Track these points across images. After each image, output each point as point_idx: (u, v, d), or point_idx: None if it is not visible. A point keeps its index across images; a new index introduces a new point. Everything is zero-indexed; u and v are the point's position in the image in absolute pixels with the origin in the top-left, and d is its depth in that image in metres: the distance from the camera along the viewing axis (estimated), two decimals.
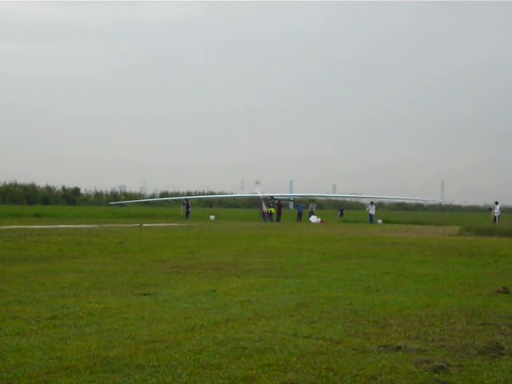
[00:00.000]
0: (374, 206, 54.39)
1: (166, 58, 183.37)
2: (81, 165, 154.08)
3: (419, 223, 51.73)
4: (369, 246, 24.20)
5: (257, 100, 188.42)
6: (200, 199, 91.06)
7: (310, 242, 25.93)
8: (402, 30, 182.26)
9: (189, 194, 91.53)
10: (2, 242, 21.75)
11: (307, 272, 14.94)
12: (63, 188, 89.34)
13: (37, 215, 49.08)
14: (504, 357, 7.25)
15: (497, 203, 48.10)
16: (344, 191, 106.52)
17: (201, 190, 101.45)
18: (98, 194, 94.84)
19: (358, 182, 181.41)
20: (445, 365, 6.79)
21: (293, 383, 6.20)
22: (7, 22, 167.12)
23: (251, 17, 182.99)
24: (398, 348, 7.49)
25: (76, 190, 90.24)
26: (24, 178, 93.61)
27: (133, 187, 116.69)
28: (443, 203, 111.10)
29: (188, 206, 56.17)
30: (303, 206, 59.35)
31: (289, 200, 66.23)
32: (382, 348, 7.50)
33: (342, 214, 65.38)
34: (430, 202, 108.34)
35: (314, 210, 57.75)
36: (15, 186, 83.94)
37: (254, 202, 70.64)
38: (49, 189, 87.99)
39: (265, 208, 53.45)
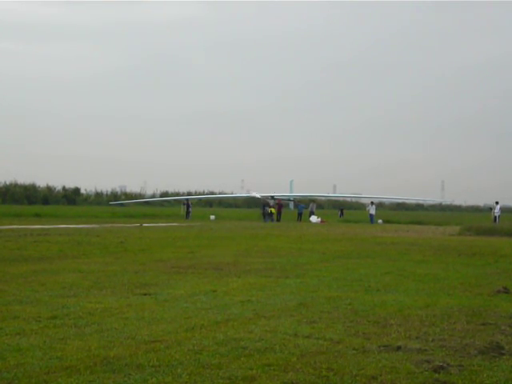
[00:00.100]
0: (374, 206, 54.39)
1: (166, 58, 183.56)
2: (81, 165, 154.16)
3: (419, 223, 51.74)
4: (369, 245, 24.20)
5: (257, 100, 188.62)
6: (200, 199, 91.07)
7: (310, 241, 25.93)
8: (401, 30, 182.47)
9: (189, 193, 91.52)
10: (3, 242, 21.75)
11: (307, 272, 14.94)
12: (63, 188, 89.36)
13: (37, 215, 49.08)
14: (504, 357, 7.25)
15: (497, 203, 48.10)
16: (344, 191, 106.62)
17: (201, 190, 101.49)
18: (99, 194, 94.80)
19: (358, 182, 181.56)
20: (445, 365, 6.79)
21: (293, 383, 6.20)
22: (7, 21, 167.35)
23: (251, 17, 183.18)
24: (399, 348, 7.49)
25: (76, 190, 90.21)
26: (24, 178, 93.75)
27: (133, 187, 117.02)
28: (443, 203, 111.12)
29: (188, 206, 56.16)
30: (303, 205, 59.35)
31: (289, 200, 66.22)
32: (382, 348, 7.50)
33: (342, 213, 65.38)
34: (431, 202, 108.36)
35: (314, 209, 57.74)
36: (15, 185, 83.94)
37: (254, 202, 70.66)
38: (49, 189, 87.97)
39: (255, 194, 53.62)
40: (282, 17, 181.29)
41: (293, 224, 48.12)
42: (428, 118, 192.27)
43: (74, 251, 19.20)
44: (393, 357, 7.13)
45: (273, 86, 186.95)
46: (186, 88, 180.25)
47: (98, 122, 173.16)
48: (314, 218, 53.20)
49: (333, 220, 56.17)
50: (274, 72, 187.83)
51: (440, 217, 71.62)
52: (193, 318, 9.01)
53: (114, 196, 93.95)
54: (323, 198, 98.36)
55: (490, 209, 50.49)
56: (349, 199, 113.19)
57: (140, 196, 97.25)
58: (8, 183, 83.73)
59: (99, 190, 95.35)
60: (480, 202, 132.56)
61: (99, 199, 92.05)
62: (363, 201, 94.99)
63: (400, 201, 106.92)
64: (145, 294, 11.11)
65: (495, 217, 47.12)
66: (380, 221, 53.52)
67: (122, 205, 79.03)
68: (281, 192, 63.91)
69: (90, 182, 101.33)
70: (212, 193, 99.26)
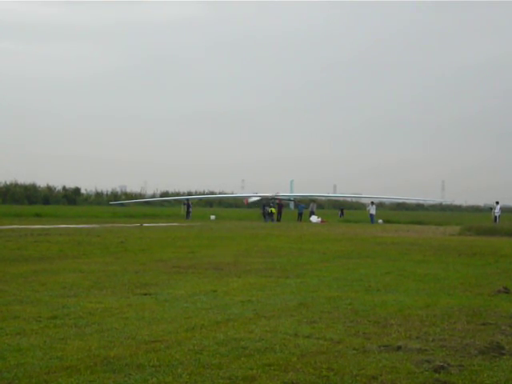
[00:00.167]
0: (374, 206, 54.39)
1: (166, 58, 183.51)
2: (81, 165, 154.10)
3: (420, 223, 51.73)
4: (369, 245, 24.20)
5: (257, 100, 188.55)
6: (200, 199, 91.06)
7: (310, 241, 25.93)
8: (401, 30, 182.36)
9: (189, 193, 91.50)
10: (3, 242, 21.76)
11: (308, 272, 14.94)
12: (64, 188, 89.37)
13: (37, 215, 49.09)
14: (504, 357, 7.25)
15: (497, 203, 48.10)
16: (344, 191, 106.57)
17: (201, 190, 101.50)
18: (99, 194, 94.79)
19: (358, 182, 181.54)
20: (445, 365, 6.79)
21: (293, 383, 6.20)
22: (7, 21, 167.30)
23: (251, 17, 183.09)
24: (399, 348, 7.49)
25: (76, 190, 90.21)
26: (24, 178, 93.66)
27: (133, 187, 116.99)
28: (444, 203, 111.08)
29: (188, 206, 56.16)
30: (304, 205, 59.36)
31: (289, 200, 66.22)
32: (382, 348, 7.50)
33: (342, 213, 65.36)
34: (431, 202, 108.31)
35: (314, 209, 57.76)
36: (16, 185, 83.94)
37: (254, 202, 70.72)
38: (49, 189, 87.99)
39: (252, 199, 53.54)
40: (282, 17, 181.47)
41: (293, 224, 48.12)
42: (428, 117, 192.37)
43: (75, 251, 19.21)
44: (393, 357, 7.13)
45: (273, 86, 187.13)
46: (186, 88, 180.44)
47: (97, 122, 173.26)
48: (314, 218, 53.20)
49: (333, 220, 56.16)
50: (274, 72, 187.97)
51: (440, 217, 71.62)
52: (193, 318, 9.01)
53: (115, 196, 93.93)
54: (323, 198, 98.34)
55: (491, 209, 50.48)
56: (349, 199, 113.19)
57: (140, 196, 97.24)
58: (8, 183, 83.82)
59: (99, 190, 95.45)
60: (480, 201, 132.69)
61: (99, 199, 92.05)
62: (363, 201, 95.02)
63: (400, 201, 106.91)
64: (145, 294, 11.11)
65: (495, 217, 47.12)
66: (380, 221, 53.51)
67: (122, 205, 79.02)
68: (281, 192, 63.88)
69: (90, 182, 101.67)
70: (212, 193, 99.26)
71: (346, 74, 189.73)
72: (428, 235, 33.03)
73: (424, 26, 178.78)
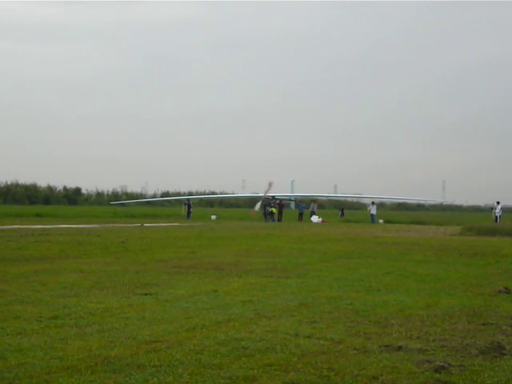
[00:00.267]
0: (375, 206, 54.38)
1: (166, 58, 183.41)
2: (82, 165, 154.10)
3: (420, 223, 51.71)
4: (370, 245, 24.20)
5: (257, 100, 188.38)
6: (201, 199, 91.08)
7: (311, 241, 25.93)
8: (402, 30, 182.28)
9: (190, 193, 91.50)
10: (4, 242, 21.76)
11: (308, 272, 14.94)
12: (64, 188, 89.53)
13: (38, 215, 49.10)
14: (505, 357, 7.25)
15: (498, 203, 48.09)
16: (345, 191, 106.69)
17: (202, 190, 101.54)
18: (99, 194, 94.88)
19: (359, 182, 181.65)
20: (446, 365, 6.79)
21: (294, 383, 6.20)
22: (6, 21, 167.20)
23: (251, 17, 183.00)
24: (399, 348, 7.49)
25: (77, 190, 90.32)
26: (25, 178, 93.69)
27: (134, 187, 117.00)
28: (444, 203, 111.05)
29: (189, 206, 56.17)
30: (304, 205, 59.37)
31: (290, 200, 66.23)
32: (383, 348, 7.50)
33: (342, 213, 65.35)
34: (432, 202, 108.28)
35: (315, 209, 57.78)
36: (16, 185, 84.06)
37: (255, 202, 70.65)
38: (50, 189, 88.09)
39: (257, 207, 53.53)
40: (282, 17, 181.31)
41: (294, 224, 48.12)
42: (428, 117, 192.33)
43: (75, 251, 19.21)
44: (394, 357, 7.13)
45: (273, 86, 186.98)
46: (186, 88, 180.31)
47: (97, 122, 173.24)
48: (315, 218, 53.20)
49: (334, 220, 56.16)
50: (274, 72, 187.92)
51: (441, 217, 71.60)
52: (194, 318, 9.01)
53: (115, 196, 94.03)
54: (324, 198, 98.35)
55: (491, 209, 50.47)
56: (350, 199, 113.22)
57: (141, 196, 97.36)
58: (9, 183, 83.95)
59: (100, 190, 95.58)
60: (481, 201, 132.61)
61: (100, 199, 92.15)
62: (364, 201, 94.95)
63: (401, 201, 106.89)
64: (146, 294, 11.11)
65: (496, 217, 47.13)
66: (381, 221, 53.50)
67: (122, 205, 79.07)
68: (282, 192, 63.90)
69: (90, 182, 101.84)
70: (213, 193, 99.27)
71: (345, 74, 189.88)
72: (429, 235, 33.02)
73: (424, 26, 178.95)
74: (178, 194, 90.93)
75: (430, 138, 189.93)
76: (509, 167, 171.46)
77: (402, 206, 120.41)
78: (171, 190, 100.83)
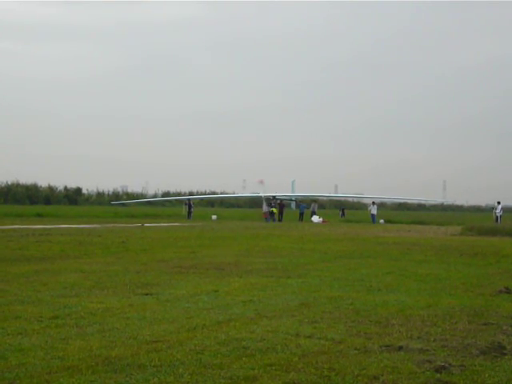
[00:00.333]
0: (375, 206, 54.37)
1: (166, 58, 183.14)
2: (82, 165, 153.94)
3: (421, 223, 51.67)
4: (371, 245, 24.20)
5: (257, 100, 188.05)
6: (202, 199, 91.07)
7: (311, 241, 25.93)
8: (402, 30, 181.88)
9: (191, 193, 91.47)
10: (5, 242, 21.77)
11: (309, 272, 14.94)
12: (65, 188, 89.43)
13: (39, 215, 49.10)
14: (506, 357, 7.25)
15: (499, 203, 48.09)
16: (345, 191, 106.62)
17: (203, 190, 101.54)
18: (100, 194, 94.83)
19: (359, 182, 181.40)
20: (447, 365, 6.79)
21: (295, 383, 6.20)
22: (6, 21, 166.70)
23: (251, 17, 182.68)
24: (400, 348, 7.49)
25: (78, 190, 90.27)
26: (25, 178, 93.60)
27: (135, 187, 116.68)
28: (445, 203, 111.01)
29: (190, 206, 56.15)
30: (305, 205, 59.37)
31: (291, 200, 66.23)
32: (383, 348, 7.50)
33: (343, 213, 65.30)
34: (432, 202, 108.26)
35: (315, 209, 57.77)
36: (17, 185, 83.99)
37: (255, 202, 70.74)
38: (51, 189, 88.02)
39: (265, 208, 53.45)
40: (282, 17, 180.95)
41: (294, 224, 48.12)
42: (428, 117, 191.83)
43: (76, 251, 19.22)
44: (394, 357, 7.13)
45: (273, 86, 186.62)
46: (186, 88, 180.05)
47: (97, 122, 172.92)
48: (315, 218, 53.18)
49: (334, 220, 56.16)
50: (274, 72, 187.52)
51: (442, 217, 71.58)
52: (194, 318, 9.02)
53: (116, 196, 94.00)
54: (325, 198, 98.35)
55: (492, 209, 50.46)
56: (350, 199, 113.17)
57: (142, 196, 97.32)
58: (10, 183, 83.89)
59: (101, 190, 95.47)
60: (482, 202, 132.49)
61: (101, 199, 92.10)
62: (365, 201, 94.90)
63: (402, 201, 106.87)
64: (146, 294, 11.11)
65: (497, 217, 47.12)
66: (382, 221, 53.48)
67: (123, 205, 79.06)
68: (283, 192, 63.90)
69: (91, 182, 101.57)
70: (214, 193, 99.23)
71: (345, 73, 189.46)
72: (429, 235, 33.02)
73: (424, 25, 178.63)
74: (179, 194, 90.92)
75: (431, 137, 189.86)
76: (509, 167, 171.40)
77: (402, 206, 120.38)
78: (172, 189, 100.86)
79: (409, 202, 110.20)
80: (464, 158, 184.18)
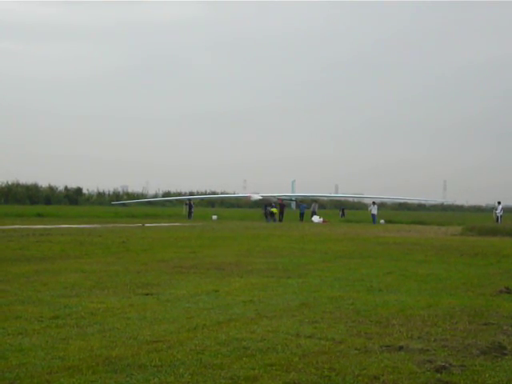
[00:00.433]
0: (376, 206, 54.35)
1: (166, 58, 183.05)
2: (82, 165, 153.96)
3: (421, 223, 51.66)
4: (371, 245, 24.20)
5: (257, 100, 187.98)
6: (202, 199, 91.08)
7: (312, 241, 25.93)
8: (402, 30, 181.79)
9: (191, 193, 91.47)
10: (5, 242, 21.78)
11: (309, 272, 14.94)
12: (65, 188, 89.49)
13: (39, 215, 49.12)
14: (506, 357, 7.25)
15: (499, 203, 48.08)
16: (346, 191, 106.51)
17: (203, 190, 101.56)
18: (101, 194, 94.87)
19: (360, 182, 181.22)
20: (447, 365, 6.79)
21: (295, 383, 6.20)
22: (6, 21, 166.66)
23: (251, 17, 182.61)
24: (401, 348, 7.49)
25: (78, 190, 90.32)
26: (25, 178, 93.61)
27: (135, 187, 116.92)
28: (445, 203, 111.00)
29: (190, 206, 56.15)
30: (305, 205, 59.36)
31: (291, 200, 66.23)
32: (384, 348, 7.50)
33: (343, 213, 65.30)
34: (432, 202, 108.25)
35: (316, 209, 57.77)
36: (18, 185, 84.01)
37: (256, 203, 70.70)
38: (51, 189, 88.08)
39: (255, 197, 53.54)
40: (282, 17, 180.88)
41: (295, 224, 48.12)
42: (428, 117, 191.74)
43: (76, 251, 19.22)
44: (395, 357, 7.13)
45: (273, 86, 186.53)
46: (186, 88, 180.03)
47: (97, 122, 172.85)
48: (316, 218, 53.18)
49: (335, 220, 56.16)
50: (274, 72, 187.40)
51: (442, 217, 71.57)
52: (195, 318, 9.02)
53: (116, 196, 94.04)
54: (325, 198, 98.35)
55: (493, 209, 50.45)
56: (351, 199, 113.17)
57: (142, 196, 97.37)
58: (10, 183, 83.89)
59: (101, 190, 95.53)
60: (482, 202, 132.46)
61: (101, 199, 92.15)
62: (365, 201, 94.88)
63: (402, 201, 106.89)
64: (147, 294, 11.11)
65: (497, 217, 47.10)
66: (382, 221, 53.47)
67: (124, 205, 79.09)
68: (283, 192, 63.91)
69: (91, 182, 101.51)
70: (214, 193, 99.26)
71: (345, 74, 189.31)
72: (430, 235, 33.02)
73: (424, 26, 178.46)
74: (179, 194, 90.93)
75: (431, 137, 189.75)
76: (509, 167, 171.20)
77: (402, 206, 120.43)
78: (172, 189, 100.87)
79: (409, 202, 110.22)
80: (464, 158, 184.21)
